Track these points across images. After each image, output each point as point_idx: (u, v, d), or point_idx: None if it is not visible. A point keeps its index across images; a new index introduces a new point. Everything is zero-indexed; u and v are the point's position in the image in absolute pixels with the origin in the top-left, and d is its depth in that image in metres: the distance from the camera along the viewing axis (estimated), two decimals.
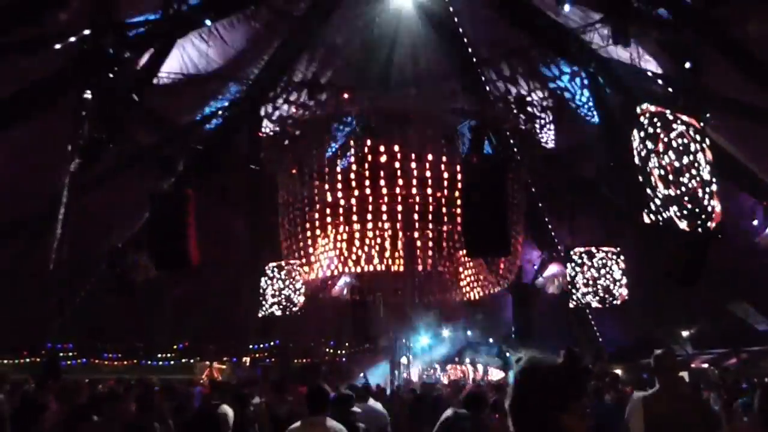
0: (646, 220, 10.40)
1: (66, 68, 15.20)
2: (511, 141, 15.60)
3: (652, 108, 10.80)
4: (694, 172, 10.23)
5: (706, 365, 22.67)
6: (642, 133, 10.62)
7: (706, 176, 10.22)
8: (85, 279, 20.64)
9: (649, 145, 10.48)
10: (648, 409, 4.91)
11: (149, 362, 21.82)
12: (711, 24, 12.32)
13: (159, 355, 22.03)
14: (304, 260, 17.19)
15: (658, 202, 10.35)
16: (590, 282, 18.47)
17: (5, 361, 19.94)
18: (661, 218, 10.28)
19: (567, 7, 13.43)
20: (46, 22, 14.63)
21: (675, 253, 11.47)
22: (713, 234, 10.34)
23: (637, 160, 10.66)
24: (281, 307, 18.87)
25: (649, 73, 13.23)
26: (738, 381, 16.52)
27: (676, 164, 10.31)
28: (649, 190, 10.42)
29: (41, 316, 19.15)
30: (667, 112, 10.64)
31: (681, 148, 10.30)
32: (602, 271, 18.39)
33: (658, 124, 10.50)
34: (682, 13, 12.35)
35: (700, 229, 10.09)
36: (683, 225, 10.17)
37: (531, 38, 15.70)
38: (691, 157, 10.27)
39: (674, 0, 12.44)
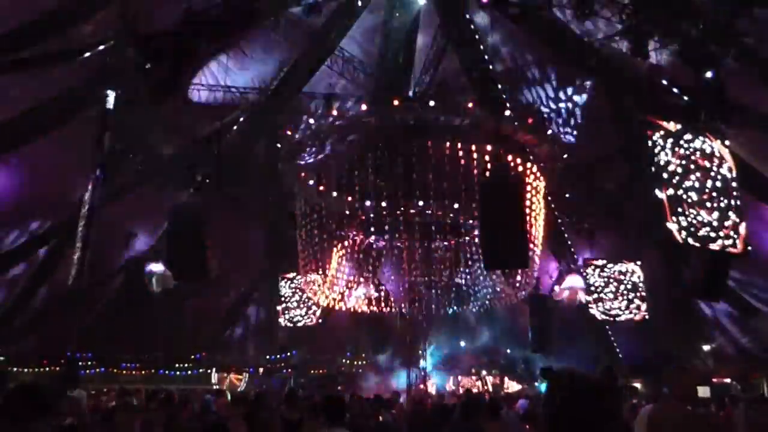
0: (678, 237, 10.28)
1: (89, 80, 15.45)
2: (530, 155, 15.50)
3: (673, 127, 10.73)
4: (718, 192, 10.14)
5: (728, 380, 22.30)
6: (663, 152, 10.55)
7: (732, 193, 10.13)
8: (105, 289, 20.84)
9: (671, 164, 10.40)
10: (651, 423, 4.96)
11: (167, 372, 21.92)
12: (734, 36, 12.22)
13: (177, 365, 22.10)
14: (321, 271, 17.21)
15: (682, 220, 10.26)
16: (608, 295, 18.34)
17: (26, 370, 20.13)
18: (685, 237, 10.18)
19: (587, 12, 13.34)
20: (72, 35, 14.91)
21: (697, 268, 11.35)
22: (740, 253, 10.22)
23: (658, 178, 10.59)
24: (298, 317, 18.90)
25: (675, 90, 13.12)
26: (762, 396, 16.25)
27: (697, 184, 10.22)
28: (672, 208, 10.34)
29: (62, 326, 19.35)
30: (688, 131, 10.56)
31: (704, 166, 10.22)
32: (621, 285, 18.26)
33: (680, 142, 10.43)
34: (705, 25, 12.26)
35: (726, 249, 9.97)
36: (712, 245, 10.06)
37: (550, 50, 15.66)
38: (715, 175, 10.18)
39: (697, 13, 12.36)
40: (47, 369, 20.32)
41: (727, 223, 10.22)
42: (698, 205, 10.34)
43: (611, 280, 18.23)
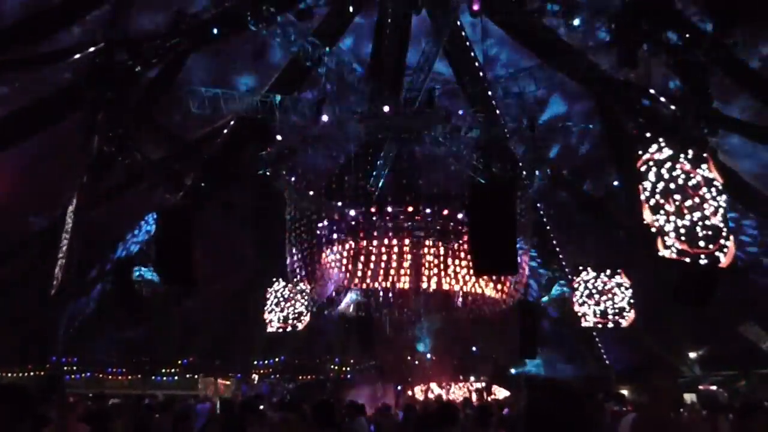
0: (662, 252, 10.30)
1: (77, 82, 15.35)
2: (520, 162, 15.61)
3: (659, 140, 10.80)
4: (707, 204, 10.19)
5: (714, 387, 22.43)
6: (650, 164, 10.63)
7: (721, 205, 10.20)
8: (92, 293, 20.65)
9: (657, 176, 10.48)
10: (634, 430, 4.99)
11: (154, 377, 21.69)
12: (721, 47, 12.33)
13: (164, 370, 21.89)
14: (310, 276, 17.17)
15: (670, 231, 10.30)
16: (597, 302, 18.41)
17: (10, 374, 19.87)
18: (675, 249, 10.22)
19: (577, 22, 13.42)
20: (61, 37, 14.84)
21: (685, 275, 11.40)
22: (728, 268, 10.28)
23: (647, 190, 10.63)
24: (287, 323, 18.83)
25: (663, 99, 13.22)
26: (747, 403, 16.30)
27: (688, 200, 10.27)
28: (661, 221, 10.38)
29: (47, 330, 19.16)
30: (675, 142, 10.63)
31: (691, 178, 10.29)
32: (609, 291, 18.34)
33: (666, 153, 10.51)
34: (692, 36, 12.37)
35: (714, 263, 10.03)
36: (700, 259, 10.09)
37: (541, 58, 15.74)
38: (701, 187, 10.26)
39: (684, 23, 12.47)
40: (31, 373, 20.07)
41: (714, 237, 10.28)
42: (684, 218, 10.40)
43: (599, 286, 18.30)
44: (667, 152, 10.82)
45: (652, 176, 10.80)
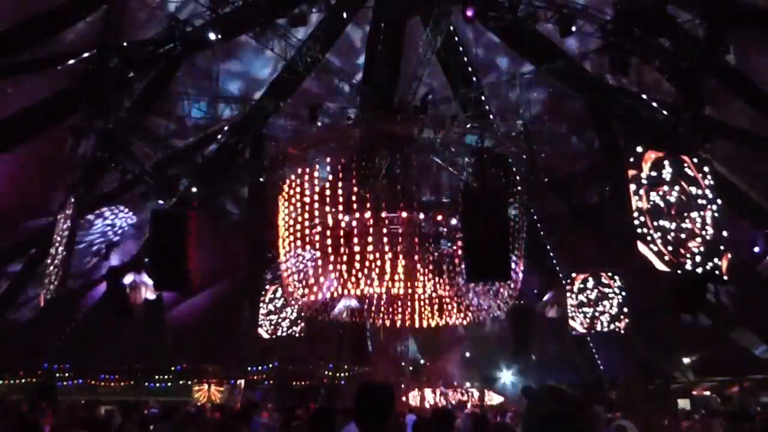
0: (659, 266, 10.31)
1: (71, 88, 15.31)
2: (513, 168, 15.63)
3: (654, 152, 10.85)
4: (701, 213, 10.23)
5: (708, 393, 22.45)
6: (644, 173, 10.67)
7: (715, 214, 10.23)
8: (85, 299, 20.55)
9: (653, 184, 10.52)
10: None
11: (147, 384, 21.55)
12: (712, 53, 12.40)
13: (157, 377, 21.75)
14: (303, 282, 17.11)
15: (662, 242, 10.33)
16: (590, 307, 18.44)
17: (2, 382, 19.70)
18: (667, 260, 10.24)
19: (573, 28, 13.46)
20: (54, 42, 14.80)
21: (677, 282, 11.43)
22: (722, 278, 10.31)
23: (639, 199, 10.66)
24: (280, 329, 18.80)
25: (654, 104, 13.29)
26: (743, 409, 16.37)
27: (681, 209, 10.30)
28: (654, 234, 10.41)
29: (39, 337, 19.04)
30: (669, 152, 10.67)
31: (685, 187, 10.34)
32: (602, 297, 18.38)
33: (661, 165, 10.55)
34: (684, 42, 12.44)
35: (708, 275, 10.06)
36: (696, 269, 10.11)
37: (534, 64, 15.81)
38: (697, 197, 10.29)
39: (676, 30, 12.54)
40: (23, 380, 19.91)
41: (709, 251, 10.32)
42: (679, 232, 10.44)
43: (593, 293, 18.34)
44: (660, 159, 10.86)
45: (644, 184, 10.83)
